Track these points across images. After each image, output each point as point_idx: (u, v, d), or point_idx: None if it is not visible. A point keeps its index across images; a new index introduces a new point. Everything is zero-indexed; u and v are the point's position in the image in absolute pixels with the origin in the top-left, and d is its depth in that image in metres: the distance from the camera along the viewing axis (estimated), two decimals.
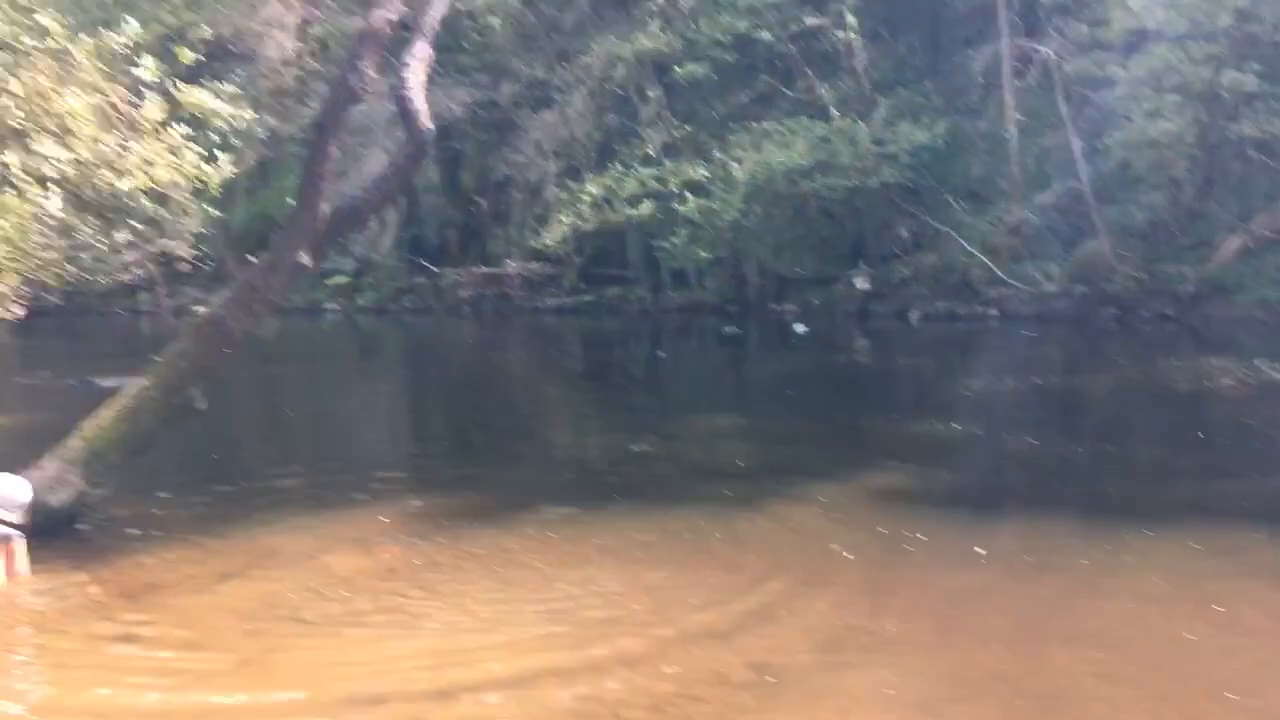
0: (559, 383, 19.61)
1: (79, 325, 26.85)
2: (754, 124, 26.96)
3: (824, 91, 26.85)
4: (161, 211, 8.76)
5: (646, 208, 27.09)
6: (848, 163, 25.43)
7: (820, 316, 25.27)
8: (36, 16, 7.98)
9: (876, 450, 11.60)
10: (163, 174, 8.32)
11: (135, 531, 8.54)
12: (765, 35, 26.91)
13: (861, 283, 26.39)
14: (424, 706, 5.54)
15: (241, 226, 28.69)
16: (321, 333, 29.39)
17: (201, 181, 8.59)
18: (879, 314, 25.59)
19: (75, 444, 8.46)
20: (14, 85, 7.92)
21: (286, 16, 26.48)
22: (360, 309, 31.85)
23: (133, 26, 8.27)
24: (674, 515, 8.93)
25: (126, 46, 8.25)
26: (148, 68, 8.15)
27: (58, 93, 8.02)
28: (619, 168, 28.13)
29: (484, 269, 30.94)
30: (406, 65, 9.11)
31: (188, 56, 8.42)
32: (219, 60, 21.97)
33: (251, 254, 9.43)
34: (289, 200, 9.92)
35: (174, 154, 8.35)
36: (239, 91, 8.61)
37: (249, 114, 8.71)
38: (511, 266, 30.46)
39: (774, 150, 25.87)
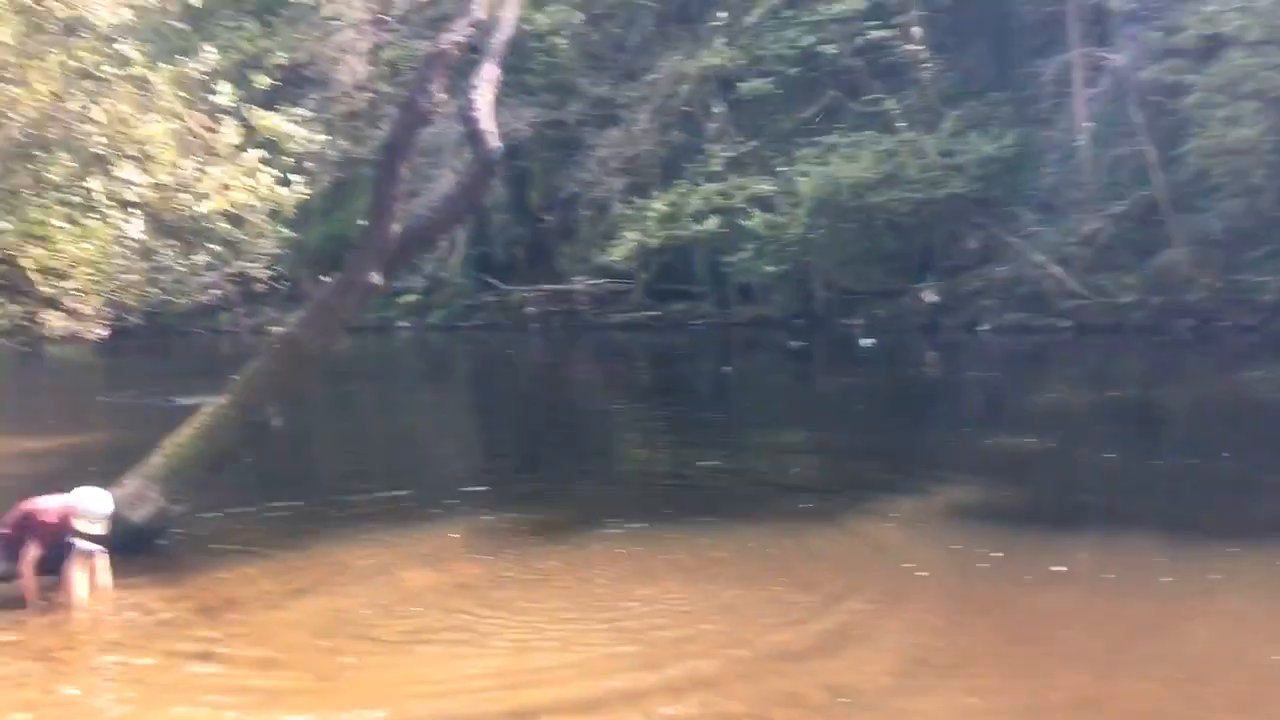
0: (627, 398, 19.63)
1: (160, 345, 27.48)
2: (819, 138, 26.84)
3: (890, 104, 26.65)
4: (238, 233, 8.96)
5: (712, 223, 27.10)
6: (914, 175, 25.22)
7: (887, 330, 25.02)
8: (117, 46, 8.21)
9: (948, 465, 11.43)
10: (239, 197, 8.52)
11: (213, 547, 8.69)
12: (830, 49, 26.79)
13: (930, 295, 26.08)
14: None
15: (316, 247, 29.07)
16: (393, 350, 29.77)
17: (277, 204, 8.76)
18: (948, 327, 25.27)
19: (156, 461, 8.64)
20: (96, 113, 8.16)
21: (359, 42, 26.90)
22: (431, 326, 32.20)
23: (210, 54, 8.48)
24: (745, 531, 8.88)
25: (204, 73, 8.46)
26: (225, 94, 8.35)
27: (138, 119, 8.23)
28: (685, 184, 28.19)
29: (552, 286, 31.16)
30: (474, 87, 9.21)
31: (263, 82, 8.62)
32: (293, 85, 22.36)
33: (325, 274, 9.56)
34: (361, 221, 10.05)
35: (250, 177, 8.53)
36: (313, 115, 8.79)
37: (322, 137, 8.90)
38: (579, 283, 30.63)
39: (839, 164, 25.74)
